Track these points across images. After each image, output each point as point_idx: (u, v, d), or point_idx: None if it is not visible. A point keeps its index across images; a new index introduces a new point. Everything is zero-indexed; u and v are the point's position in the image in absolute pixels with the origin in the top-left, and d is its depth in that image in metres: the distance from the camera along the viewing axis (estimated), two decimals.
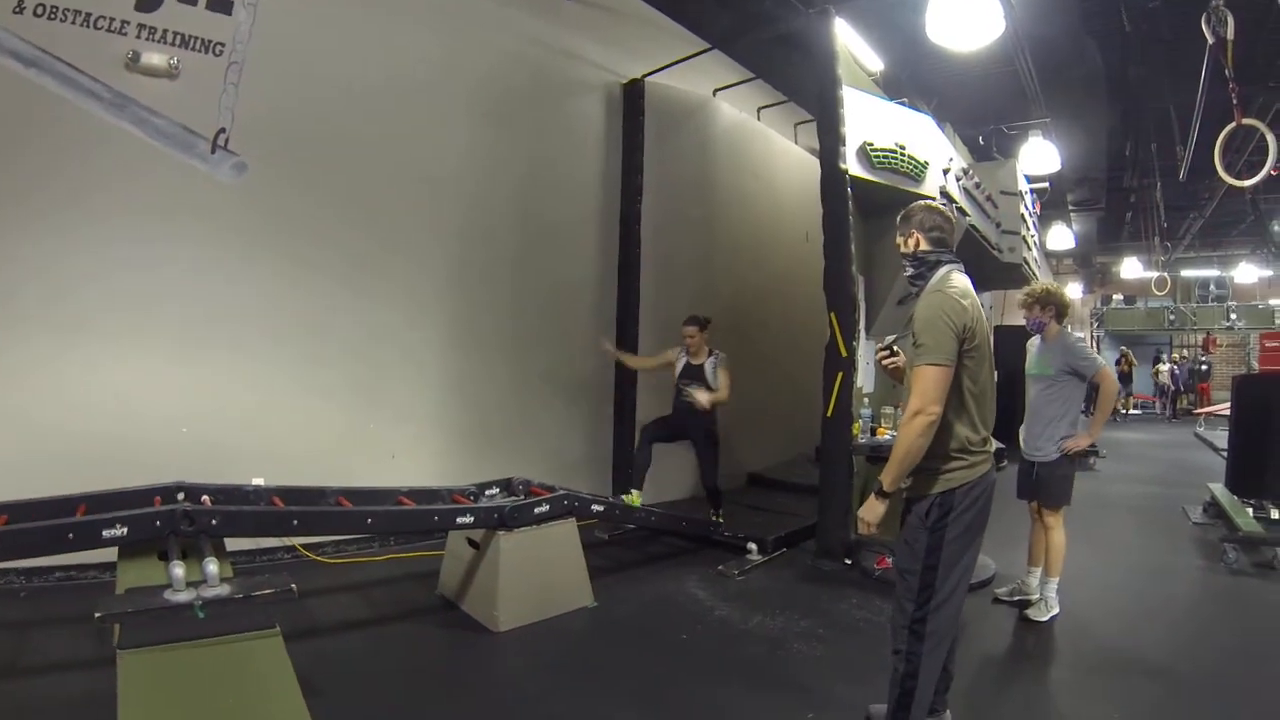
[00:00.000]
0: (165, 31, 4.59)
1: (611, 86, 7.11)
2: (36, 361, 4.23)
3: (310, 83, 5.10)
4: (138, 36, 4.51)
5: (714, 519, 5.87)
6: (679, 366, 5.81)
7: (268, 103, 4.88)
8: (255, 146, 4.85)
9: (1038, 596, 4.41)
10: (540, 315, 6.32)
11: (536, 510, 4.13)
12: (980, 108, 10.74)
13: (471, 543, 4.14)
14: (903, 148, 6.08)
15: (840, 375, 5.39)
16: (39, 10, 4.25)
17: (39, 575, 4.14)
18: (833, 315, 5.47)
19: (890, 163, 5.99)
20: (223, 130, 4.75)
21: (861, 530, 2.66)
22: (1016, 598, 4.54)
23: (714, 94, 8.06)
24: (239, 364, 4.83)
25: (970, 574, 2.66)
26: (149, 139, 4.56)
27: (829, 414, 5.44)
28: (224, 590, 2.66)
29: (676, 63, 7.07)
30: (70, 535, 2.84)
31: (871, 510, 2.60)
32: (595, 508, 4.70)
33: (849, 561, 5.26)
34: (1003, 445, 2.83)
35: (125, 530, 2.90)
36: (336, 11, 5.20)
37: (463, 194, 5.92)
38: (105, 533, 2.88)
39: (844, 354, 5.39)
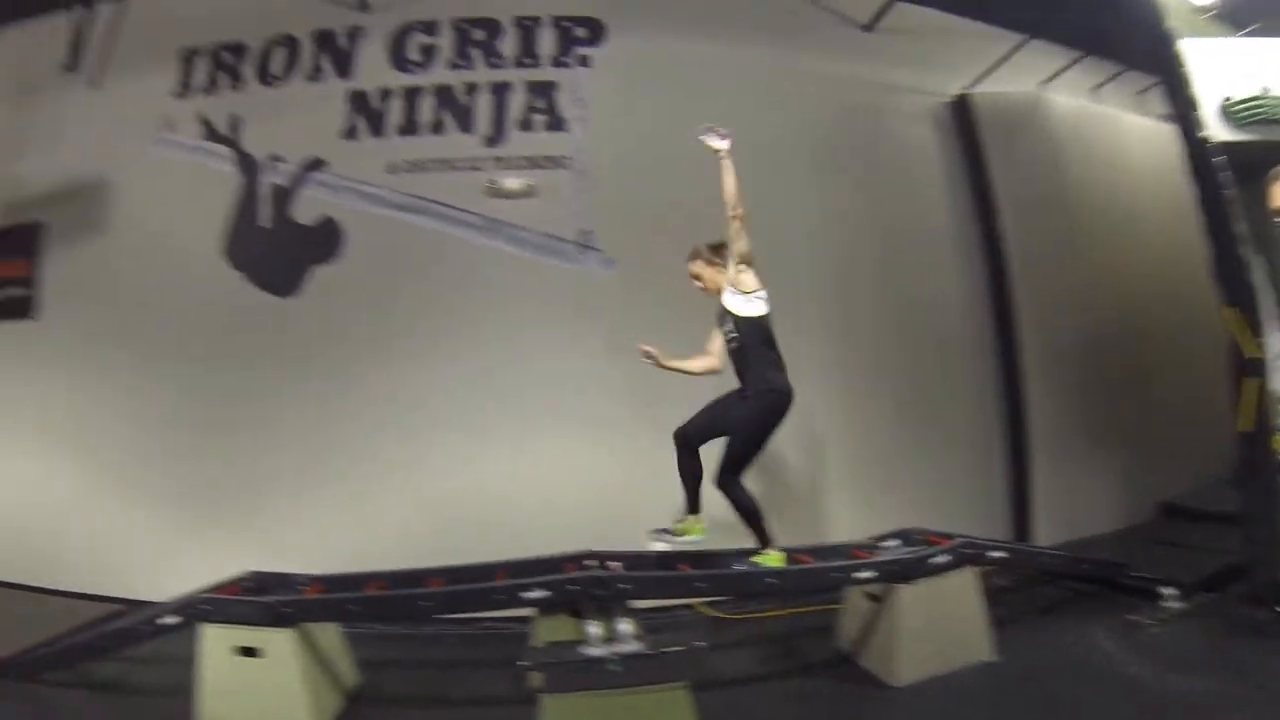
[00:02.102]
0: (515, 158, 5.43)
1: (936, 108, 6.89)
2: (453, 457, 5.15)
3: (649, 172, 5.48)
4: (494, 167, 5.41)
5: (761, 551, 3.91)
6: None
7: (616, 196, 5.40)
8: (614, 239, 5.37)
9: None
10: (908, 357, 6.07)
11: (935, 560, 3.95)
12: None
13: (871, 596, 4.06)
14: (1269, 90, 4.99)
15: (1252, 380, 4.48)
16: (406, 166, 5.40)
17: (464, 624, 4.70)
18: (1229, 310, 4.57)
19: (1259, 113, 4.94)
20: (587, 231, 5.37)
21: None
22: None
23: (1040, 87, 7.38)
24: (630, 440, 5.18)
25: None
26: (523, 253, 5.35)
27: (1241, 427, 4.52)
28: (637, 646, 2.92)
29: (994, 67, 6.69)
30: (497, 597, 3.49)
31: None
32: (994, 554, 4.39)
33: None
34: None
35: (546, 594, 3.40)
36: (660, 102, 5.59)
37: (814, 251, 5.94)
38: (525, 595, 3.43)
39: (1251, 355, 4.47)
